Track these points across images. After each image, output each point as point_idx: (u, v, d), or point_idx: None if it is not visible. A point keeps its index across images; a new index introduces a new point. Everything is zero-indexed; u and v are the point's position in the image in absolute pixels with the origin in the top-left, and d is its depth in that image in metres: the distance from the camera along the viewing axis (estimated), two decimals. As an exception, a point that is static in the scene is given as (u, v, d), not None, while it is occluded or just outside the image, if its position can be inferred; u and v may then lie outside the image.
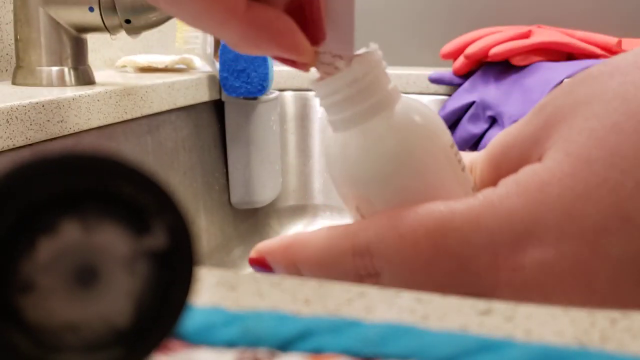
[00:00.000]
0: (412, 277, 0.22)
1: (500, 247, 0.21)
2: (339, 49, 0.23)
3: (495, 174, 0.24)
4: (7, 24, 0.67)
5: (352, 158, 0.23)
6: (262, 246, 0.26)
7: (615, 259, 0.20)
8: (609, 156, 0.20)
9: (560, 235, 0.20)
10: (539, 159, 0.22)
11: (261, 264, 0.26)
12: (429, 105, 0.54)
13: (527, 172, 0.22)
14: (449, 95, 0.84)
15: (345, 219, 0.88)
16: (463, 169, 0.24)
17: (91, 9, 0.60)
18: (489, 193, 0.22)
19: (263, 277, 0.18)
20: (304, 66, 0.24)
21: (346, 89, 0.23)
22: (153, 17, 0.60)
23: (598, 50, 0.79)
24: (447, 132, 0.24)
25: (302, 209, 0.92)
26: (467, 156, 0.27)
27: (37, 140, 0.50)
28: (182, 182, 0.74)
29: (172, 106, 0.71)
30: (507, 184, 0.22)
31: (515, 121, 0.35)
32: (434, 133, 0.23)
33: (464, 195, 0.23)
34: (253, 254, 0.26)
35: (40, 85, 0.61)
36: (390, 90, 0.23)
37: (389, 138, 0.23)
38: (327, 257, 0.24)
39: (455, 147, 0.24)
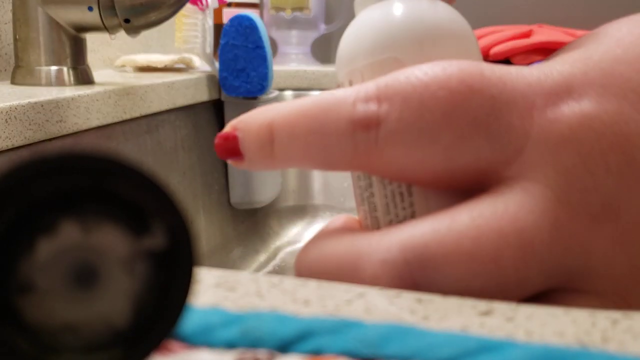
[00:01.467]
0: (426, 124, 0.19)
1: (538, 96, 0.19)
2: None
3: None
4: (5, 23, 0.67)
5: (397, 21, 0.21)
6: (238, 118, 0.22)
7: None
8: None
9: (602, 92, 0.19)
10: None
11: (229, 143, 0.21)
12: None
13: (568, 53, 0.21)
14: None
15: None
16: None
17: (90, 9, 0.60)
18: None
19: (263, 278, 0.18)
20: None
21: None
22: (152, 16, 0.60)
23: (598, 50, 0.79)
24: None
25: (302, 210, 0.92)
26: None
27: (36, 140, 0.50)
28: (182, 182, 0.74)
29: (172, 106, 0.71)
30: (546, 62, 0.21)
31: None
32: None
33: None
34: (226, 128, 0.22)
35: (39, 85, 0.61)
36: None
37: (441, 10, 0.22)
38: (317, 107, 0.20)
39: None
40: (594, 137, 0.18)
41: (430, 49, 0.21)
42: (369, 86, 0.19)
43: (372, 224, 0.22)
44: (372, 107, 0.19)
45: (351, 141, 0.19)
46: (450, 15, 0.22)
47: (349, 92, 0.20)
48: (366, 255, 0.19)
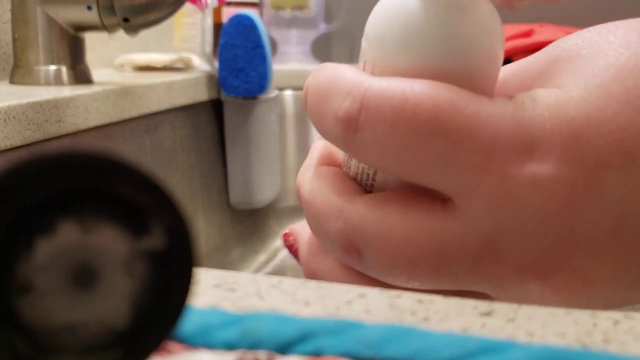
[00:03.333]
0: (392, 148, 0.20)
1: (500, 150, 0.20)
2: None
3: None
4: (4, 23, 0.67)
5: (415, 28, 0.21)
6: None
7: (610, 197, 0.19)
8: (625, 93, 0.20)
9: (562, 157, 0.19)
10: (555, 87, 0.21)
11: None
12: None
13: (545, 91, 0.21)
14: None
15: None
16: None
17: (89, 8, 0.59)
18: (505, 101, 0.21)
19: (262, 278, 0.18)
20: None
21: None
22: (151, 16, 0.60)
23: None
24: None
25: (301, 210, 0.91)
26: None
27: (34, 140, 0.50)
28: (181, 182, 0.74)
29: (171, 106, 0.71)
30: (524, 96, 0.21)
31: None
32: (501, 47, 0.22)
33: None
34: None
35: (38, 84, 0.61)
36: None
37: (471, 17, 0.21)
38: (321, 88, 0.23)
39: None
40: (539, 204, 0.19)
41: (438, 66, 0.21)
42: (360, 88, 0.21)
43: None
44: (355, 110, 0.21)
45: (335, 132, 0.22)
46: (481, 26, 0.21)
47: (348, 83, 0.22)
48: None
